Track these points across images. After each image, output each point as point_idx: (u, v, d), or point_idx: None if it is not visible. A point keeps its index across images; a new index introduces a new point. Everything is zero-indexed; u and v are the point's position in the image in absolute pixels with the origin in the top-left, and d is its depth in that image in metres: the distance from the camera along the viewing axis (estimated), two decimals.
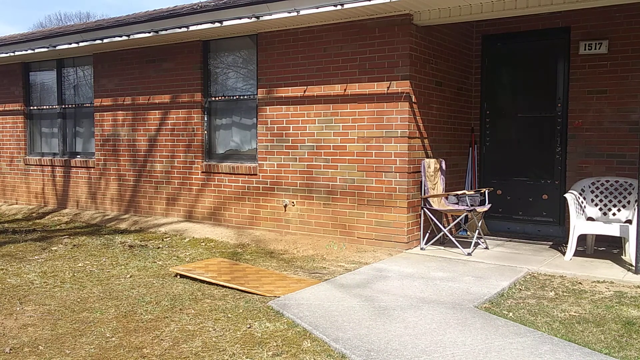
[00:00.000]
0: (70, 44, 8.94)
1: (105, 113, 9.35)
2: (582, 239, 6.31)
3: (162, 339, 3.89)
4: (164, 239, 7.57)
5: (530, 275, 5.57)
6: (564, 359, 3.45)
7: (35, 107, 10.59)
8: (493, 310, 4.46)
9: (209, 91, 8.24)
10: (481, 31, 7.82)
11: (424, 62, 6.74)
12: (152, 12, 9.49)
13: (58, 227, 8.72)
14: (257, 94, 7.65)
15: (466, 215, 6.80)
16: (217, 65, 8.22)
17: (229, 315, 4.39)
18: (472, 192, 6.67)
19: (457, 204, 6.71)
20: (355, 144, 6.81)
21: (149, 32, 7.96)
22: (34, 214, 9.89)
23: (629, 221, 6.10)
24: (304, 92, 7.18)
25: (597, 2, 5.81)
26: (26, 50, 9.59)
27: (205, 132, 8.26)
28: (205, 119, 8.24)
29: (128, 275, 5.65)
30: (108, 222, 8.88)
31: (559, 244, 6.93)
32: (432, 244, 6.73)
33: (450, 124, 7.45)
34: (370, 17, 6.63)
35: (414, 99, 6.54)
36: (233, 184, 7.95)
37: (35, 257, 6.55)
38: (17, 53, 9.76)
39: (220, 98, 8.14)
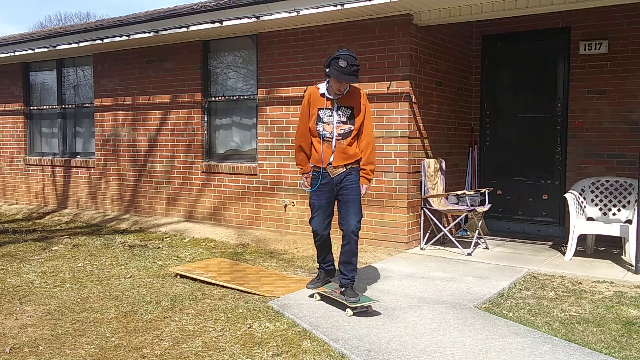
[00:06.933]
0: (71, 44, 8.94)
1: (105, 113, 9.36)
2: (582, 239, 6.31)
3: (162, 339, 3.89)
4: (164, 239, 7.57)
5: (530, 275, 5.57)
6: (564, 359, 3.45)
7: (35, 107, 10.59)
8: (493, 310, 4.46)
9: (209, 91, 8.24)
10: (481, 31, 7.82)
11: (424, 62, 6.74)
12: (152, 12, 9.49)
13: (58, 227, 8.72)
14: (257, 94, 7.65)
15: (466, 215, 6.80)
16: (217, 65, 8.22)
17: (229, 315, 4.39)
18: (472, 192, 6.67)
19: (457, 204, 6.71)
20: None
21: (149, 32, 7.96)
22: (34, 214, 9.89)
23: (629, 221, 6.10)
24: (304, 92, 7.18)
25: (597, 2, 5.81)
26: (26, 50, 9.59)
27: (206, 132, 8.26)
28: (206, 119, 8.24)
29: (128, 275, 5.65)
30: (108, 222, 8.88)
31: (559, 244, 6.93)
32: (432, 244, 6.73)
33: (450, 124, 7.45)
34: (370, 17, 6.63)
35: (414, 99, 6.54)
36: (233, 184, 7.95)
37: (35, 257, 6.55)
38: (17, 53, 9.76)
39: (220, 98, 8.14)
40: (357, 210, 4.47)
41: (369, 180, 4.58)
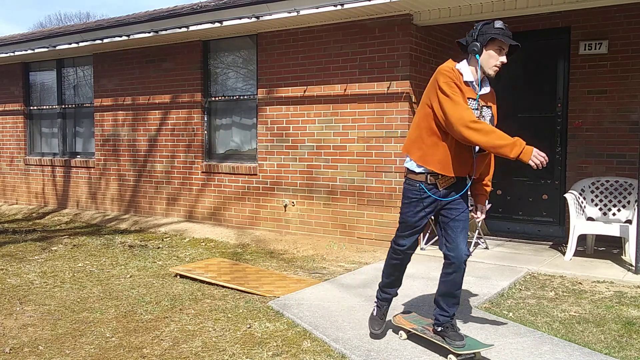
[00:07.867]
0: (70, 44, 8.94)
1: (105, 113, 9.35)
2: (582, 239, 6.31)
3: (162, 339, 3.89)
4: (164, 239, 7.57)
5: (530, 275, 5.57)
6: (564, 359, 3.45)
7: (35, 107, 10.59)
8: (493, 310, 4.46)
9: (209, 91, 8.24)
10: None
11: (424, 62, 6.74)
12: (152, 12, 9.50)
13: (58, 227, 8.72)
14: (257, 94, 7.65)
15: None
16: (217, 65, 8.22)
17: (229, 315, 4.39)
18: None
19: None
20: (355, 144, 6.81)
21: (149, 32, 7.96)
22: (34, 214, 9.89)
23: (629, 221, 6.10)
24: (304, 92, 7.18)
25: (597, 2, 5.81)
26: (26, 50, 9.59)
27: (205, 132, 8.26)
28: (205, 119, 8.24)
29: (128, 275, 5.65)
30: (108, 222, 8.88)
31: (559, 244, 6.93)
32: (432, 244, 6.73)
33: None
34: (370, 17, 6.63)
35: (414, 99, 6.54)
36: (233, 184, 7.95)
37: (35, 257, 6.55)
38: (17, 53, 9.76)
39: (220, 98, 8.14)
40: (467, 232, 3.48)
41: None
